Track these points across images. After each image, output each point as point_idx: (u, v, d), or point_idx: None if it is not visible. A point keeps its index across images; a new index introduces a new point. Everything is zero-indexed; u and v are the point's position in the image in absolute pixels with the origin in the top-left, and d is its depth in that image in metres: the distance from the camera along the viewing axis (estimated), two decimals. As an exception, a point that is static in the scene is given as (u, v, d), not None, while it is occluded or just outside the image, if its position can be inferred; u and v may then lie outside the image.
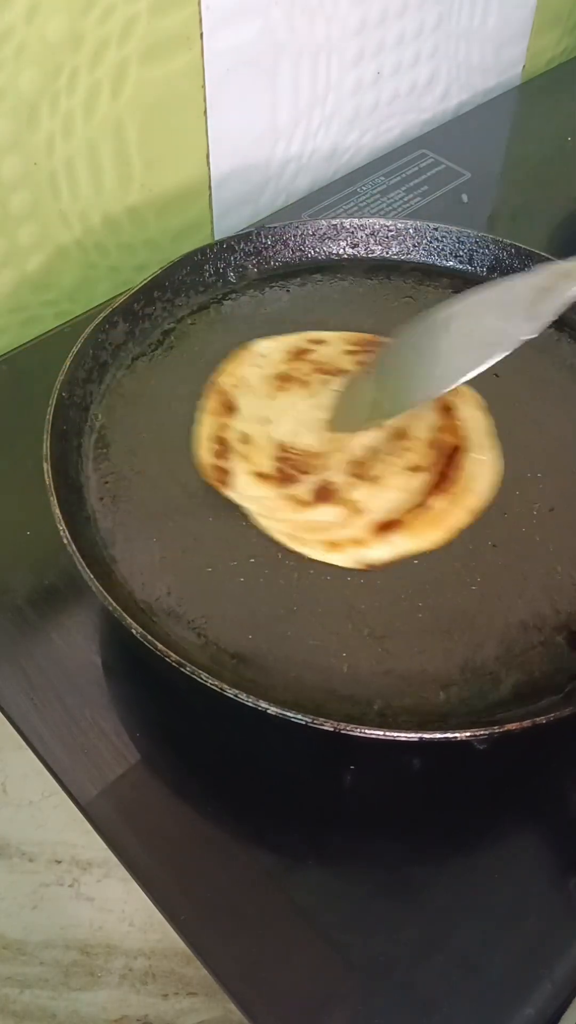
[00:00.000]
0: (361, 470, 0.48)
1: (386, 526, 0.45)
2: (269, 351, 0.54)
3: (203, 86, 0.61)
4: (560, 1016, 0.35)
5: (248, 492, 0.47)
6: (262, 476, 0.48)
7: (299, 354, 0.54)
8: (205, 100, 0.62)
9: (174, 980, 0.44)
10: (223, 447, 0.49)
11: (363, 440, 0.49)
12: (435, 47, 0.76)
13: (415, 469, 0.48)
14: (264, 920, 0.37)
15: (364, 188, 0.73)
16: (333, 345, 0.55)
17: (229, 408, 0.51)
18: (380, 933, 0.37)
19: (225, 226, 0.69)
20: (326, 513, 0.46)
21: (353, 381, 0.51)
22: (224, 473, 0.48)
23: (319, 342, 0.55)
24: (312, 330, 0.56)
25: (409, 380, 0.47)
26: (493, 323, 0.45)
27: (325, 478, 0.47)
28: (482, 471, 0.48)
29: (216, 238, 0.70)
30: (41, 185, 0.57)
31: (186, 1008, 0.43)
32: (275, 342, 0.55)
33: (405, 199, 0.72)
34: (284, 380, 0.52)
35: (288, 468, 0.48)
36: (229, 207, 0.69)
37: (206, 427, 0.50)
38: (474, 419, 0.50)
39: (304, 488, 0.47)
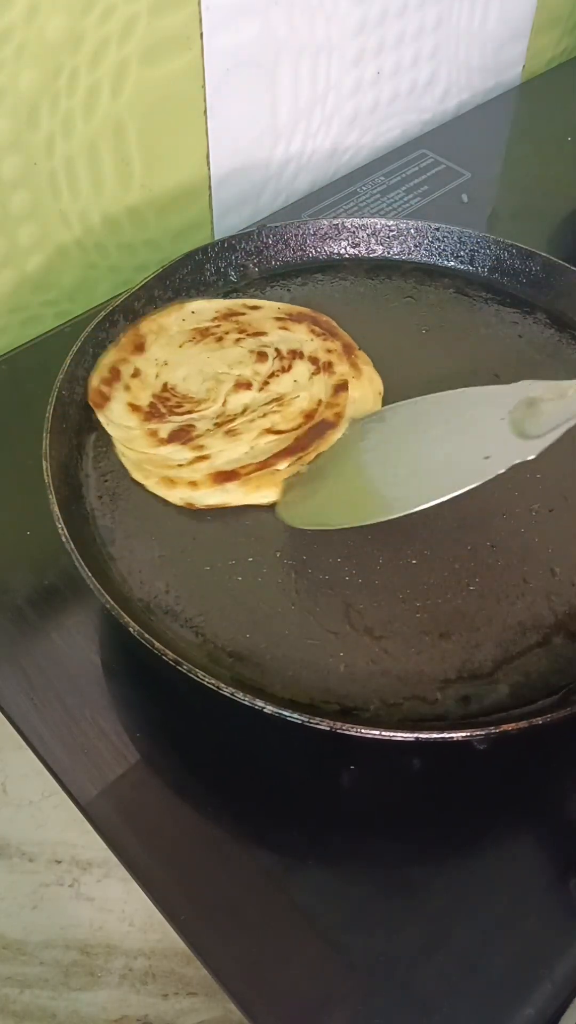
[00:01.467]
0: (225, 422, 0.50)
1: (224, 476, 0.47)
2: (201, 309, 0.57)
3: (203, 86, 0.61)
4: (560, 1016, 0.35)
5: (118, 420, 0.50)
6: (134, 408, 0.50)
7: (228, 315, 0.56)
8: (205, 100, 0.62)
9: (174, 980, 0.44)
10: (114, 376, 0.52)
11: (242, 397, 0.51)
12: (435, 47, 0.76)
13: (276, 432, 0.49)
14: (264, 920, 0.37)
15: (364, 188, 0.73)
16: (265, 311, 0.56)
17: (138, 348, 0.54)
18: (380, 933, 0.37)
19: (225, 226, 0.69)
20: (175, 452, 0.48)
21: (316, 469, 0.49)
22: (104, 398, 0.51)
23: (255, 307, 0.57)
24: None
25: (383, 490, 0.45)
26: (480, 441, 0.44)
27: (188, 421, 0.50)
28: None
29: (216, 238, 0.70)
30: (41, 185, 0.57)
31: (186, 1008, 0.43)
32: (210, 303, 0.57)
33: (405, 199, 0.72)
34: (201, 334, 0.55)
35: (161, 406, 0.51)
36: (229, 207, 0.69)
37: (108, 357, 0.53)
38: (363, 401, 0.51)
39: (166, 427, 0.50)
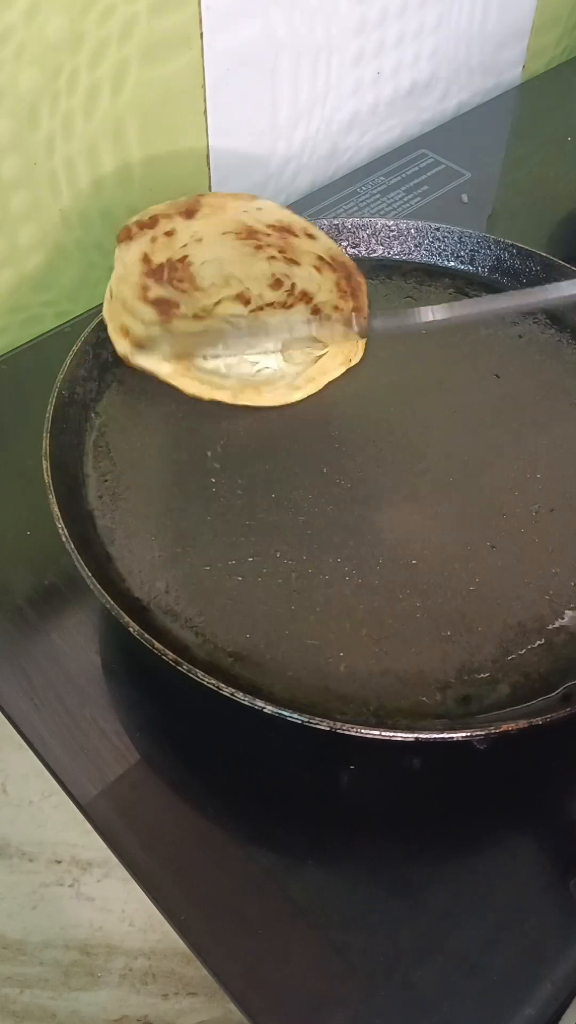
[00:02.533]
0: (203, 316, 0.50)
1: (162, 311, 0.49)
2: (266, 209, 0.57)
3: (203, 86, 0.61)
4: (560, 1016, 0.35)
5: (127, 260, 0.52)
6: (146, 259, 0.53)
7: (283, 230, 0.56)
8: (205, 100, 0.62)
9: (174, 980, 0.44)
10: (151, 224, 0.54)
11: (232, 308, 0.52)
12: (435, 47, 0.76)
13: (246, 302, 0.51)
14: (264, 920, 0.37)
15: (364, 188, 0.73)
16: (317, 244, 0.56)
17: (188, 213, 0.55)
18: (380, 933, 0.37)
19: (225, 226, 0.69)
20: (147, 313, 0.50)
21: None
22: (128, 236, 0.53)
23: (310, 236, 0.56)
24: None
25: None
26: None
27: (177, 299, 0.51)
28: (277, 395, 0.50)
29: (216, 238, 0.70)
30: (41, 185, 0.57)
31: (186, 1008, 0.43)
32: (278, 211, 0.57)
33: (405, 199, 0.72)
34: (249, 233, 0.55)
35: (167, 272, 0.52)
36: (229, 207, 0.69)
37: (158, 207, 0.55)
38: (330, 358, 0.51)
39: (157, 290, 0.51)
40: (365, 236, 0.61)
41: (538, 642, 0.42)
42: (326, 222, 0.60)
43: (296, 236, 0.56)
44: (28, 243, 0.59)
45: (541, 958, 0.36)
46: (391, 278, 0.60)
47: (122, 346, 0.49)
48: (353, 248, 0.61)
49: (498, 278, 0.60)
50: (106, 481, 0.48)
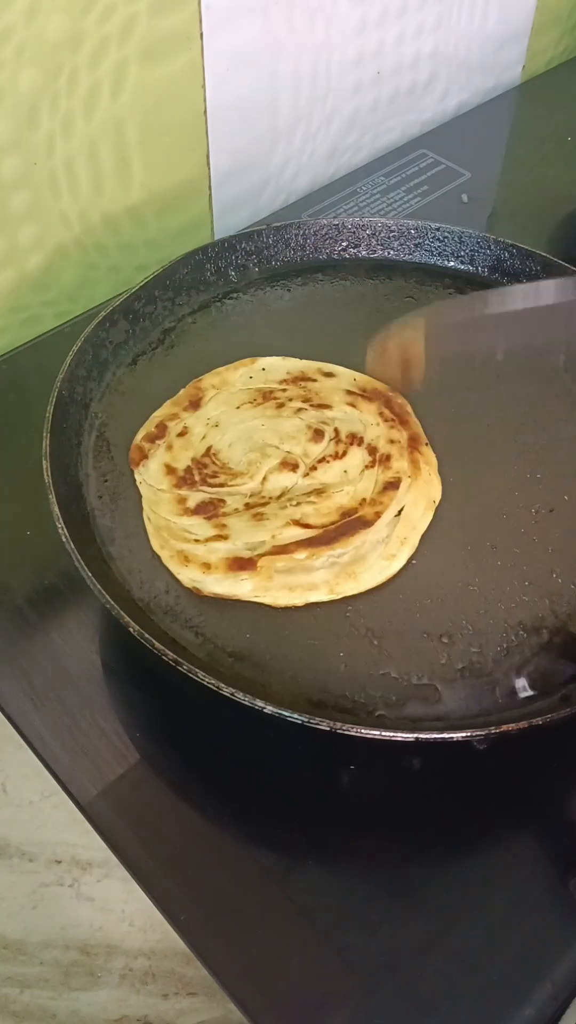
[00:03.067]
0: (257, 504, 0.46)
1: (239, 563, 0.43)
2: (272, 367, 0.53)
3: (203, 86, 0.61)
4: (560, 1016, 0.35)
5: (151, 480, 0.47)
6: (170, 470, 0.48)
7: (298, 380, 0.52)
8: (205, 100, 0.62)
9: (174, 980, 0.44)
10: (159, 432, 0.49)
11: (284, 479, 0.47)
12: (435, 47, 0.76)
13: (304, 525, 0.45)
14: (264, 920, 0.37)
15: (364, 188, 0.73)
16: (339, 380, 0.52)
17: (193, 404, 0.51)
18: (380, 933, 0.37)
19: (225, 226, 0.69)
20: (196, 525, 0.45)
21: None
22: (142, 455, 0.48)
23: (328, 374, 0.53)
24: (315, 342, 0.55)
25: None
26: None
27: (220, 495, 0.46)
28: (374, 571, 0.44)
29: (216, 238, 0.70)
30: (41, 185, 0.57)
31: (186, 1008, 0.43)
32: (284, 362, 0.53)
33: (405, 199, 0.72)
34: (264, 396, 0.51)
35: (197, 473, 0.47)
36: (229, 207, 0.69)
37: (161, 411, 0.51)
38: (413, 506, 0.46)
39: (196, 496, 0.46)
40: (365, 236, 0.61)
41: (538, 643, 0.42)
42: (326, 222, 0.60)
43: (314, 380, 0.52)
44: (28, 243, 0.59)
45: (541, 958, 0.36)
46: (391, 278, 0.60)
47: (188, 577, 0.43)
48: (353, 248, 0.61)
49: (498, 278, 0.60)
50: (106, 481, 0.48)
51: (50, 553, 0.47)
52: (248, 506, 0.46)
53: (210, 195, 0.67)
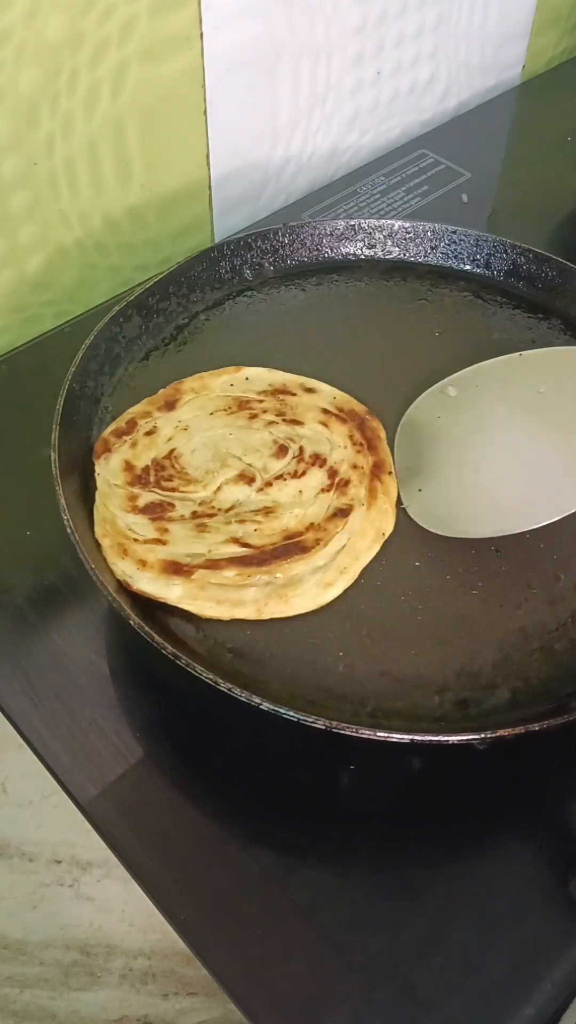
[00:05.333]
0: (204, 514, 0.45)
1: (172, 567, 0.43)
2: (255, 378, 0.52)
3: (203, 86, 0.61)
4: (560, 1016, 0.35)
5: (108, 475, 0.47)
6: (128, 466, 0.47)
7: (278, 392, 0.51)
8: (205, 100, 0.62)
9: (174, 980, 0.44)
10: (128, 428, 0.49)
11: (237, 492, 0.46)
12: (435, 47, 0.76)
13: (243, 544, 0.44)
14: (264, 920, 0.37)
15: (364, 188, 0.73)
16: (318, 396, 0.51)
17: (169, 404, 0.50)
18: (380, 933, 0.37)
19: (225, 226, 0.69)
20: (139, 525, 0.45)
21: None
22: (107, 449, 0.48)
23: (309, 390, 0.52)
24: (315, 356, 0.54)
25: (509, 500, 0.45)
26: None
27: (170, 499, 0.46)
28: (307, 597, 0.43)
29: (216, 238, 0.70)
30: (41, 185, 0.57)
31: (186, 1008, 0.43)
32: (269, 374, 0.53)
33: (405, 199, 0.72)
34: (239, 405, 0.50)
35: (153, 474, 0.47)
36: (229, 207, 0.69)
37: (136, 408, 0.50)
38: (360, 536, 0.45)
39: (146, 496, 0.46)
40: (381, 237, 0.61)
41: (539, 647, 0.42)
42: (342, 223, 0.60)
43: (293, 394, 0.51)
44: (28, 243, 0.59)
45: (541, 958, 0.36)
46: (406, 280, 0.60)
47: (121, 569, 0.43)
48: (369, 249, 0.61)
49: (513, 282, 0.60)
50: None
51: (50, 553, 0.47)
52: (195, 515, 0.45)
53: (210, 195, 0.67)
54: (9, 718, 0.43)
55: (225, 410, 0.50)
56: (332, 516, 0.45)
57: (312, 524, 0.45)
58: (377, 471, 0.48)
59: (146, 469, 0.47)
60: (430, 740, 0.37)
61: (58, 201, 0.58)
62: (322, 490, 0.46)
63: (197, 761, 0.42)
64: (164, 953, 0.44)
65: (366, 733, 0.37)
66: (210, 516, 0.45)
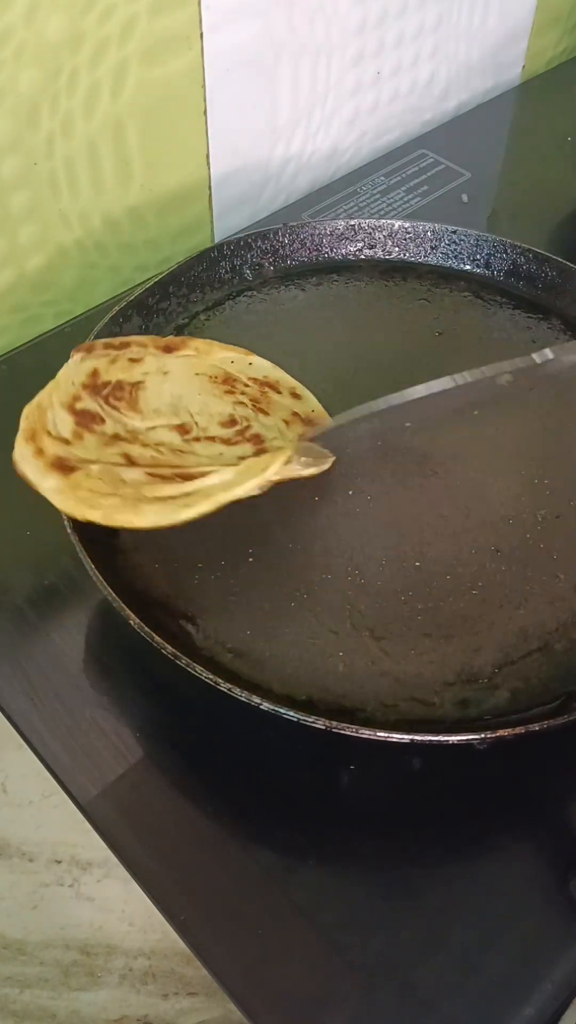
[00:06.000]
0: (124, 438, 0.45)
1: (59, 464, 0.42)
2: (258, 366, 0.52)
3: (203, 86, 0.61)
4: (560, 1016, 0.35)
5: (72, 372, 0.47)
6: (94, 374, 0.47)
7: (265, 385, 0.51)
8: (205, 100, 0.62)
9: (174, 980, 0.44)
10: (118, 347, 0.49)
11: (165, 435, 0.46)
12: (435, 47, 0.76)
13: (130, 462, 0.44)
14: (264, 920, 0.37)
15: (364, 188, 0.73)
16: (298, 404, 0.51)
17: (168, 349, 0.51)
18: (380, 933, 0.37)
19: (225, 226, 0.69)
20: (63, 423, 0.45)
21: None
22: (88, 352, 0.48)
23: (295, 395, 0.51)
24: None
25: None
26: None
27: (104, 415, 0.46)
28: (162, 514, 0.42)
29: (216, 238, 0.70)
30: (41, 185, 0.57)
31: (186, 1008, 0.43)
32: (273, 370, 0.52)
33: (405, 199, 0.72)
34: (225, 380, 0.50)
35: (110, 390, 0.47)
36: (229, 207, 0.69)
37: (139, 338, 0.50)
38: (234, 487, 0.43)
39: (87, 403, 0.46)
40: (381, 237, 0.61)
41: (539, 648, 0.42)
42: (342, 223, 0.60)
43: (278, 392, 0.51)
44: (28, 243, 0.59)
45: (541, 958, 0.36)
46: (406, 280, 0.60)
47: (19, 450, 0.43)
48: (369, 249, 0.61)
49: (514, 282, 0.60)
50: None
51: (50, 553, 0.47)
52: (116, 436, 0.45)
53: (210, 195, 0.67)
54: (9, 718, 0.43)
55: (210, 377, 0.50)
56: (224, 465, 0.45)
57: (202, 471, 0.44)
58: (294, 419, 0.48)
59: (106, 384, 0.47)
60: (430, 740, 0.37)
61: (58, 201, 0.58)
62: (241, 457, 0.46)
63: (197, 761, 0.42)
64: (164, 953, 0.44)
65: (366, 733, 0.37)
66: (128, 442, 0.45)
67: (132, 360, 0.49)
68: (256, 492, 0.43)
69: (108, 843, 0.39)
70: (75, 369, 0.47)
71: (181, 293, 0.57)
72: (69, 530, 0.42)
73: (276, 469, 0.43)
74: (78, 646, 0.45)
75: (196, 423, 0.47)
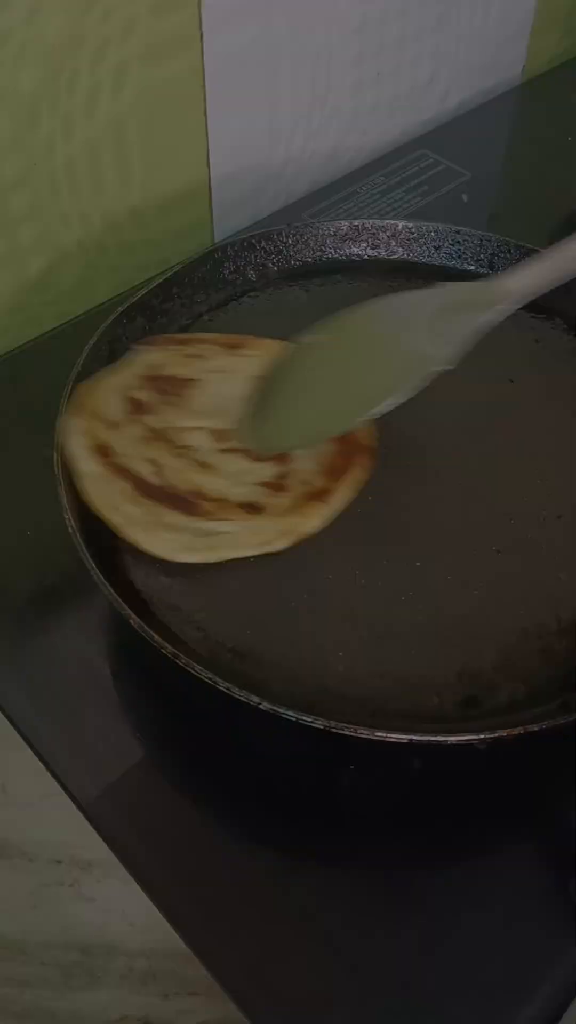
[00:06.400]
0: (161, 436, 0.46)
1: (102, 451, 0.44)
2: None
3: (203, 86, 0.61)
4: (560, 1016, 0.35)
5: (136, 363, 0.48)
6: (155, 367, 0.48)
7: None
8: (205, 100, 0.62)
9: (174, 980, 0.44)
10: (183, 340, 0.50)
11: (199, 439, 0.46)
12: (435, 47, 0.76)
13: (157, 468, 0.44)
14: (264, 920, 0.37)
15: (364, 188, 0.73)
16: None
17: (232, 347, 0.51)
18: (380, 933, 0.37)
19: (225, 226, 0.69)
20: (112, 406, 0.46)
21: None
22: (151, 345, 0.49)
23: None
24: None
25: (308, 409, 0.46)
26: (403, 347, 0.45)
27: (152, 408, 0.47)
28: (166, 545, 0.43)
29: (216, 238, 0.70)
30: (41, 185, 0.57)
31: (186, 1008, 0.43)
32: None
33: (405, 199, 0.72)
34: None
35: (167, 383, 0.48)
36: (229, 207, 0.69)
37: (206, 335, 0.51)
38: (242, 547, 0.44)
39: (141, 394, 0.47)
40: (385, 237, 0.61)
41: (540, 648, 0.42)
42: (346, 223, 0.60)
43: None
44: (28, 243, 0.59)
45: (541, 958, 0.36)
46: (409, 280, 0.60)
47: (74, 422, 0.44)
48: (373, 249, 0.61)
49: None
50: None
51: (50, 553, 0.47)
52: (154, 431, 0.46)
53: (210, 195, 0.67)
54: (9, 718, 0.43)
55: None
56: (239, 504, 0.45)
57: (220, 498, 0.44)
58: (313, 496, 0.46)
59: (164, 378, 0.48)
60: (430, 740, 0.37)
61: (58, 201, 0.58)
62: (259, 483, 0.46)
63: (197, 761, 0.42)
64: (164, 953, 0.44)
65: (365, 733, 0.37)
66: (163, 440, 0.46)
67: (193, 356, 0.49)
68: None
69: (108, 843, 0.39)
70: (139, 361, 0.48)
71: (185, 294, 0.57)
72: (71, 529, 0.42)
73: (283, 545, 0.44)
74: (78, 646, 0.45)
75: (230, 429, 0.47)
